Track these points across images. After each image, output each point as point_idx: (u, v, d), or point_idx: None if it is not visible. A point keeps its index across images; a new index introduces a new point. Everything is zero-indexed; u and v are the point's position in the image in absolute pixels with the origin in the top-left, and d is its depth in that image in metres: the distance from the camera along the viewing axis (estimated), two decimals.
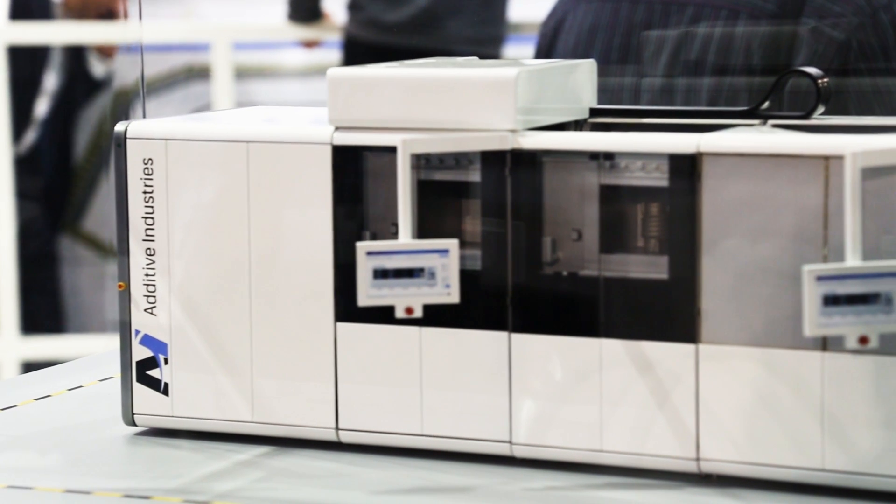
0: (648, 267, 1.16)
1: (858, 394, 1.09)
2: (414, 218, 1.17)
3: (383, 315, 1.16)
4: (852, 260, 1.03)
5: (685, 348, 1.14)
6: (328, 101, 1.22)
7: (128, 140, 1.27)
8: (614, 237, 1.18)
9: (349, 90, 1.22)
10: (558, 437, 1.18)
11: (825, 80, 1.20)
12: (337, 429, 1.24)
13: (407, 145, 1.14)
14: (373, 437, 1.23)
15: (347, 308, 1.22)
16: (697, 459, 1.14)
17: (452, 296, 1.13)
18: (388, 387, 1.22)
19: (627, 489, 1.14)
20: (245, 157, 1.24)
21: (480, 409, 1.19)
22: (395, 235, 1.19)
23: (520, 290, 1.18)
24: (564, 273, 1.18)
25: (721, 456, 1.13)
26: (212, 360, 1.26)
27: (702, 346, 1.13)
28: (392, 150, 1.15)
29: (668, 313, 1.14)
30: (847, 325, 1.02)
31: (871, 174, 1.06)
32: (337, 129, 1.22)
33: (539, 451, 1.18)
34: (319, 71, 1.22)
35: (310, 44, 4.35)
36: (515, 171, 1.18)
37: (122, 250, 1.27)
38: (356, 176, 1.22)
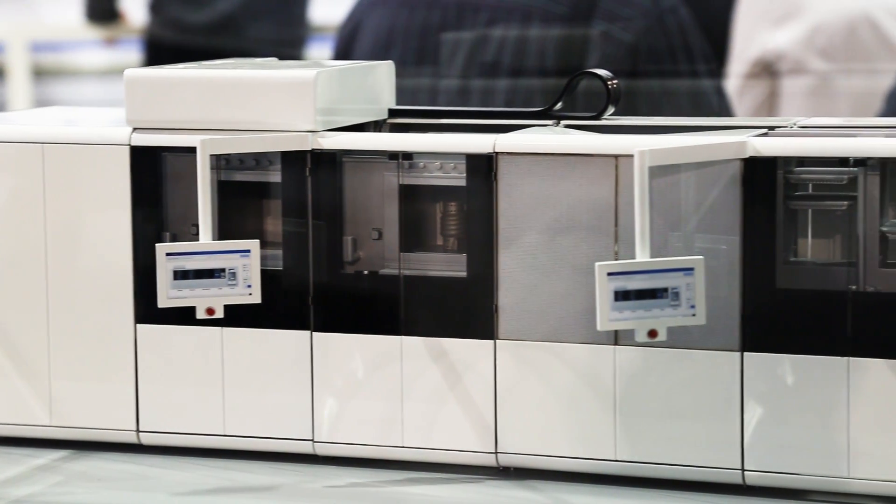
0: (448, 265, 1.18)
1: (648, 386, 1.13)
2: (214, 219, 1.17)
3: (184, 316, 1.15)
4: (641, 256, 1.06)
5: (483, 344, 1.16)
6: (125, 102, 1.21)
7: None
8: (414, 236, 1.19)
9: (147, 91, 1.21)
10: (360, 434, 1.19)
11: (615, 81, 1.24)
12: (137, 431, 1.23)
13: (206, 146, 1.14)
14: (174, 439, 1.22)
15: (147, 309, 1.21)
16: (496, 453, 1.16)
17: (254, 296, 1.14)
18: (190, 388, 1.21)
19: (428, 484, 1.16)
20: (40, 158, 1.23)
21: (283, 408, 1.20)
22: (195, 237, 1.19)
23: (321, 290, 1.19)
24: (365, 272, 1.19)
25: (519, 449, 1.16)
26: (7, 364, 1.24)
27: (499, 342, 1.16)
28: (191, 151, 1.15)
29: (466, 310, 1.16)
30: (637, 319, 1.06)
31: (659, 172, 1.10)
32: (135, 130, 1.22)
33: (341, 449, 1.19)
34: (120, 71, 1.21)
35: (109, 39, 4.29)
36: (315, 171, 1.19)
37: None
38: (155, 177, 1.22)
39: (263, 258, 1.16)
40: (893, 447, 1.07)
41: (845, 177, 1.10)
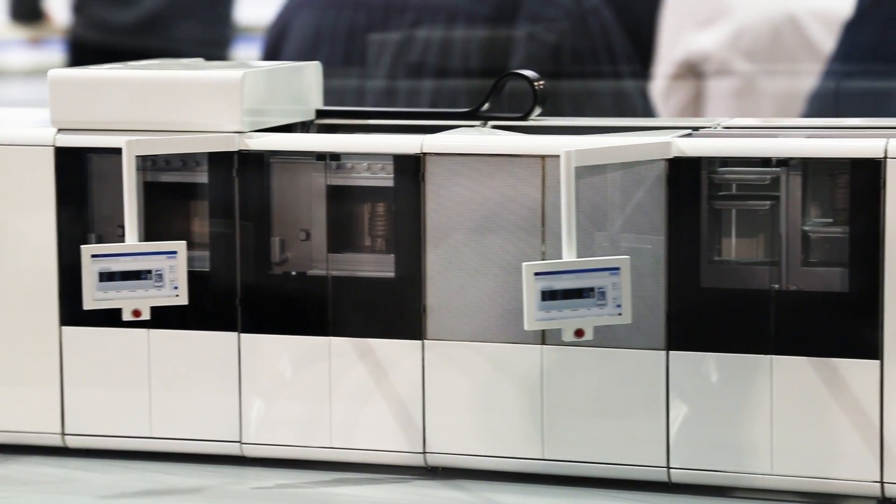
0: (376, 265, 1.18)
1: (575, 385, 1.14)
2: (140, 220, 1.17)
3: (110, 318, 1.15)
4: (568, 256, 1.07)
5: (411, 344, 1.16)
6: (50, 103, 1.20)
7: None
8: (342, 237, 1.20)
9: (72, 91, 1.20)
10: (288, 435, 1.19)
11: (541, 82, 1.25)
12: (63, 434, 1.22)
13: (131, 147, 1.13)
14: (100, 442, 1.21)
15: (73, 311, 1.20)
16: (424, 453, 1.17)
17: (181, 297, 1.13)
18: (116, 390, 1.21)
19: (357, 484, 1.16)
20: None
21: (210, 410, 1.20)
22: (121, 238, 1.18)
23: (249, 291, 1.19)
24: (293, 273, 1.19)
25: (446, 449, 1.16)
26: None
27: (427, 342, 1.16)
28: (117, 152, 1.14)
29: (395, 311, 1.16)
30: (563, 318, 1.06)
31: (586, 172, 1.11)
32: (60, 130, 1.21)
33: (269, 450, 1.19)
34: (44, 71, 1.20)
35: (34, 39, 4.25)
36: (243, 172, 1.18)
37: None
38: (80, 178, 1.21)
39: (190, 259, 1.16)
40: (815, 444, 1.09)
41: (768, 177, 1.11)
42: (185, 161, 1.21)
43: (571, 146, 1.07)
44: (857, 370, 1.08)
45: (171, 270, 1.13)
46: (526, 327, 1.06)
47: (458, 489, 1.15)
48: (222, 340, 1.19)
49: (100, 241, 1.21)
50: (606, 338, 1.11)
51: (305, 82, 1.28)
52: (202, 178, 1.20)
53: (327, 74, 1.32)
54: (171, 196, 1.21)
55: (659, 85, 2.27)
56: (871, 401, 1.07)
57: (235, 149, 1.18)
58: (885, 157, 1.06)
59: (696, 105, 2.34)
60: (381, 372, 1.17)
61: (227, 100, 1.18)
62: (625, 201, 1.12)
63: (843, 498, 1.10)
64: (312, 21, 1.96)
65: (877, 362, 1.07)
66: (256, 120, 1.20)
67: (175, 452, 1.21)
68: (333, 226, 1.19)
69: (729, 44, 2.27)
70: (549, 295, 1.06)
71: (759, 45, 2.27)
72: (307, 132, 1.28)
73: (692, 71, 2.30)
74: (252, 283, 1.19)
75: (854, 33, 1.87)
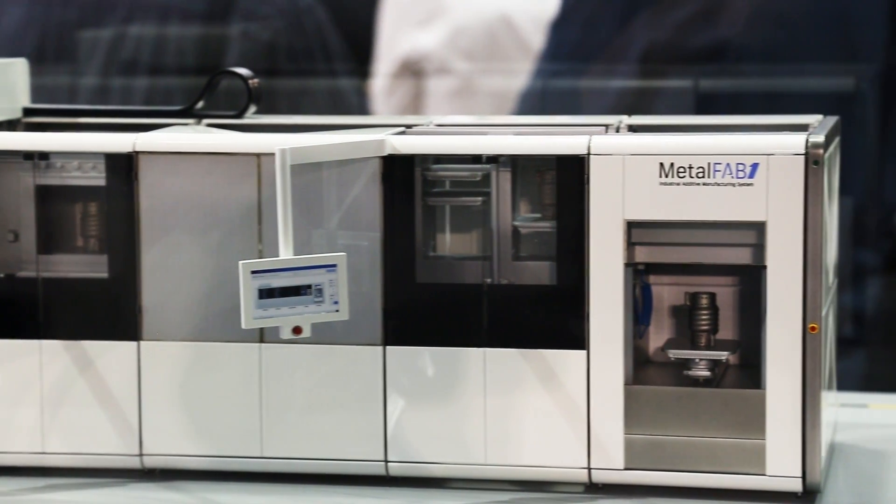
0: (89, 266, 1.16)
1: (294, 382, 1.14)
2: None
3: None
4: (285, 254, 1.07)
5: (127, 346, 1.14)
6: None
7: None
8: (53, 237, 1.17)
9: None
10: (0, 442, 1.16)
11: (255, 80, 1.25)
12: None
13: None
14: None
15: None
16: (140, 455, 1.15)
17: None
18: None
19: (70, 489, 1.14)
20: None
21: None
22: None
23: None
24: (1, 275, 1.16)
25: (164, 450, 1.15)
26: None
27: (143, 343, 1.15)
28: None
29: (109, 312, 1.15)
30: (281, 316, 1.07)
31: (301, 171, 1.11)
32: None
33: None
34: None
35: None
36: None
37: None
38: None
39: None
40: (527, 433, 1.12)
41: (479, 173, 1.14)
42: None
43: (286, 144, 1.08)
44: (565, 360, 1.11)
45: None
46: (243, 325, 1.06)
47: (176, 490, 1.14)
48: None
49: None
50: (324, 334, 1.12)
51: (11, 79, 1.24)
52: None
53: (37, 72, 1.29)
54: None
55: (380, 84, 2.29)
56: (578, 390, 1.11)
57: None
58: (589, 154, 1.10)
59: (416, 104, 2.37)
60: (94, 374, 1.15)
61: None
62: (341, 199, 1.13)
63: (554, 484, 1.13)
64: (20, 16, 1.91)
65: (583, 352, 1.11)
66: None
67: None
68: (43, 226, 1.16)
69: (447, 43, 2.31)
70: (266, 293, 1.06)
71: (476, 44, 2.31)
72: (14, 131, 1.24)
73: (412, 70, 2.32)
74: None
75: (559, 32, 1.93)
